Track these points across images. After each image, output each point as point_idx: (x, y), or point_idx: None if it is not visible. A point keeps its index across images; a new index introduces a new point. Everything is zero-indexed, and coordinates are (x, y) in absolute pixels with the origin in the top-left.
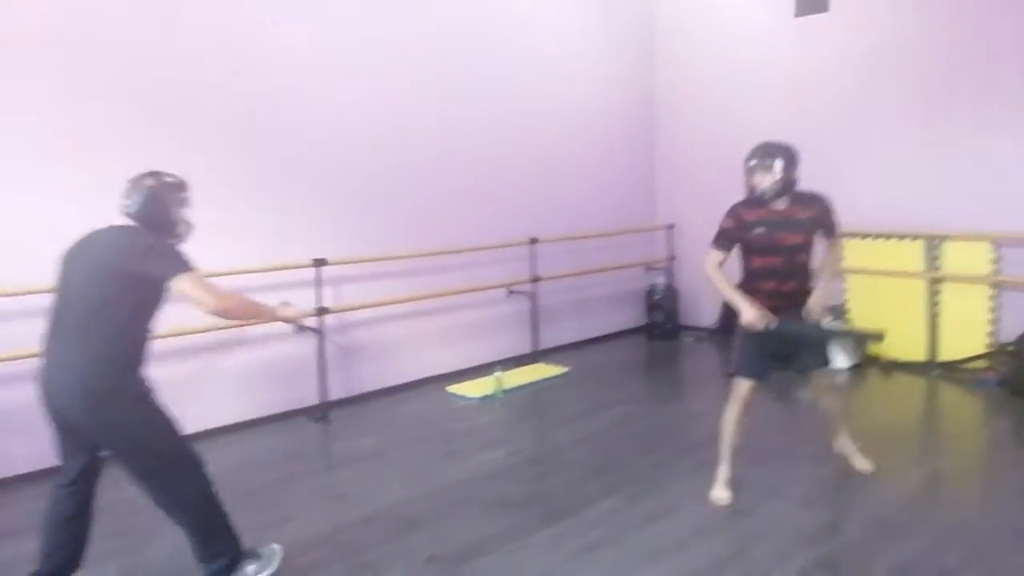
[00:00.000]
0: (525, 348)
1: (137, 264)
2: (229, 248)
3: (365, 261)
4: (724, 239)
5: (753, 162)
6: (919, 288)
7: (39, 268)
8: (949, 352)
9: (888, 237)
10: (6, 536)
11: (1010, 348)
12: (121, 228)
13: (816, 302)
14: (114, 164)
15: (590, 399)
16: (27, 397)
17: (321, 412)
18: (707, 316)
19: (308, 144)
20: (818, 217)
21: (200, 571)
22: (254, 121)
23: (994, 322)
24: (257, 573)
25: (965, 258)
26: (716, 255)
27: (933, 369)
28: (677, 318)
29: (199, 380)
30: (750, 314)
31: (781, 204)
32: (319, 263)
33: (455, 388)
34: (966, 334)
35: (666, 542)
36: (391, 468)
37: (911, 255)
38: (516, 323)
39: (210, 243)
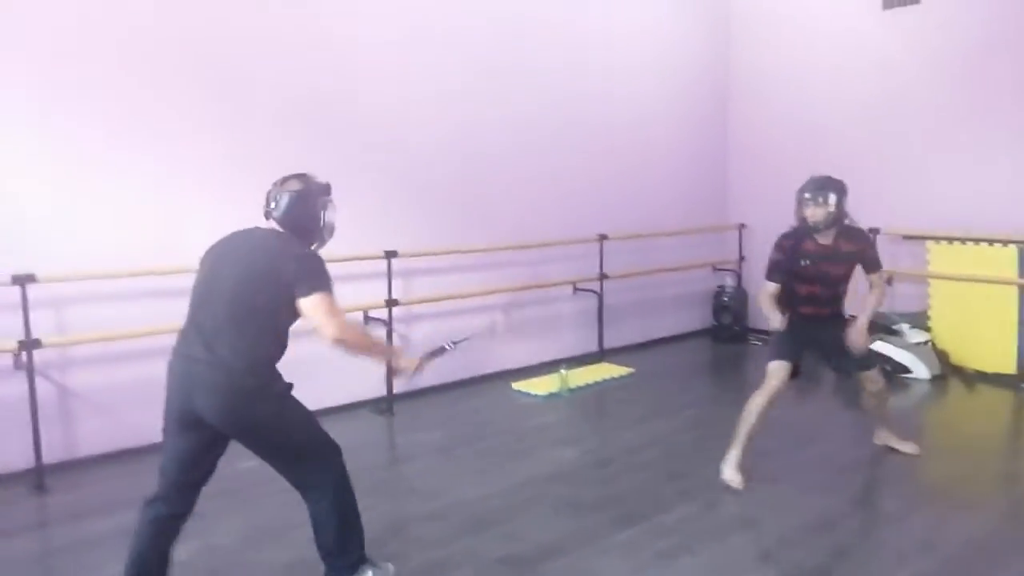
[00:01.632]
0: (590, 347)
1: (286, 273)
2: None
3: (434, 254)
4: (777, 272)
5: (807, 195)
6: (1010, 296)
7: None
8: None
9: (978, 241)
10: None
11: None
12: (271, 233)
13: (859, 332)
14: (190, 153)
15: (657, 401)
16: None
17: (385, 405)
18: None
19: (379, 137)
20: (861, 252)
21: (327, 566)
22: (329, 115)
23: None
24: None
25: None
26: (771, 287)
27: (1022, 383)
28: (745, 320)
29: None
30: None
31: (827, 237)
32: (390, 255)
33: (520, 385)
34: None
35: (748, 554)
36: (459, 464)
37: (1003, 261)
38: (581, 321)
39: None
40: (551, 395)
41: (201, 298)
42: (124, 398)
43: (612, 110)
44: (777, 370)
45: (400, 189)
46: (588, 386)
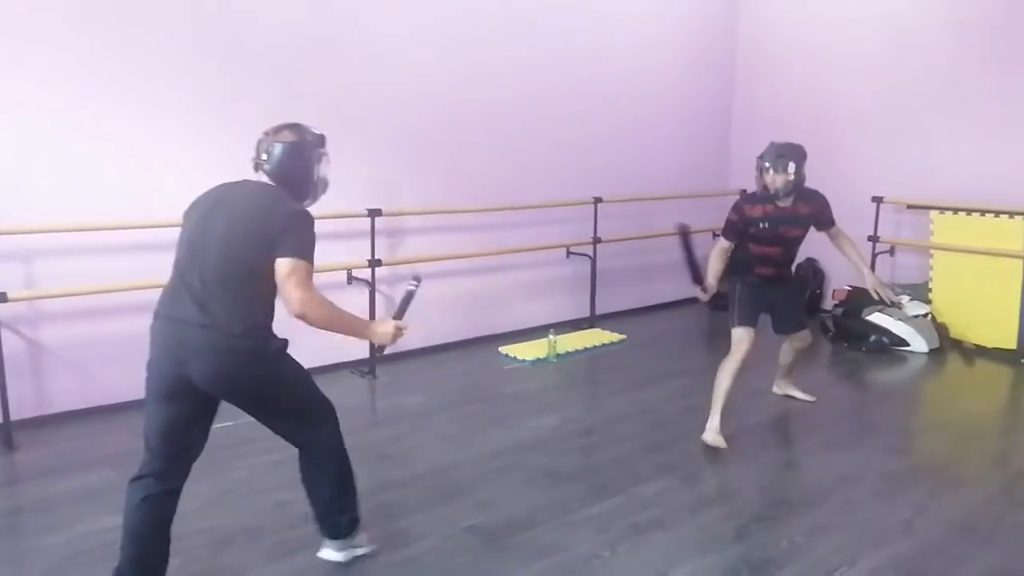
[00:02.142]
0: (582, 312)
1: (276, 233)
2: None
3: (419, 213)
4: (730, 231)
5: (767, 163)
6: (1014, 270)
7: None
8: None
9: (984, 212)
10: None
11: None
12: (262, 187)
13: (874, 280)
14: (165, 102)
15: (647, 369)
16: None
17: (368, 367)
18: None
19: (367, 92)
20: (819, 212)
21: (324, 525)
22: (314, 67)
23: None
24: (364, 545)
25: None
26: (724, 243)
27: (1022, 358)
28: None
29: None
30: (708, 290)
31: (786, 201)
32: (373, 213)
33: (507, 349)
34: None
35: (722, 529)
36: (436, 429)
37: (1009, 233)
38: (574, 286)
39: None
40: (538, 360)
41: (189, 257)
42: (96, 354)
43: (610, 68)
44: (743, 336)
45: (388, 147)
46: (577, 352)
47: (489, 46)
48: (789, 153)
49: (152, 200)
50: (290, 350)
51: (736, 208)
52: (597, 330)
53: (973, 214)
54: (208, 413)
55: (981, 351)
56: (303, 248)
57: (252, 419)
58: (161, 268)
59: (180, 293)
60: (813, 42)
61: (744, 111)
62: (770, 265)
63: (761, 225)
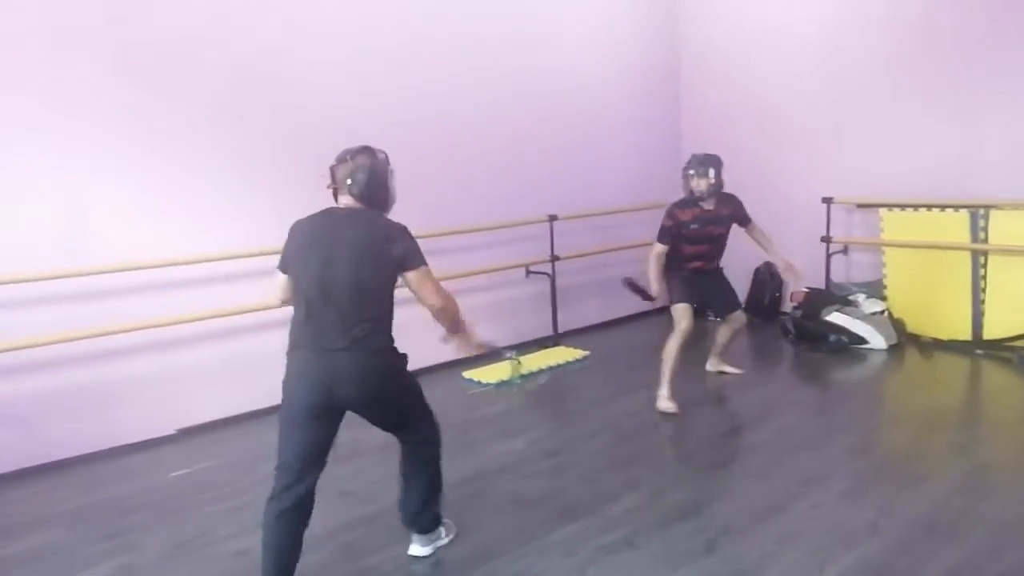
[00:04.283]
0: (546, 331)
1: (395, 250)
2: (236, 225)
3: None
4: (665, 235)
5: (692, 171)
6: (963, 261)
7: None
8: (995, 330)
9: (930, 207)
10: None
11: None
12: (359, 212)
13: (786, 265)
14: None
15: (612, 384)
16: None
17: None
18: (738, 293)
19: (317, 117)
20: (736, 211)
21: (414, 519)
22: (264, 93)
23: None
24: (446, 535)
25: (1014, 229)
26: (659, 247)
27: (977, 349)
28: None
29: (199, 371)
30: (653, 292)
31: (710, 204)
32: None
33: (471, 373)
34: (1014, 311)
35: (692, 544)
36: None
37: (955, 226)
38: (536, 305)
39: (212, 222)
40: (502, 383)
41: (320, 289)
42: (39, 409)
43: (559, 88)
44: (683, 311)
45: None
46: (541, 371)
47: (435, 67)
48: (709, 162)
49: (86, 244)
50: (256, 380)
51: (670, 214)
52: (561, 347)
53: (920, 209)
54: (338, 428)
55: (938, 344)
56: (422, 257)
57: (211, 465)
58: (102, 314)
59: (321, 324)
60: (754, 47)
61: (692, 121)
62: (700, 260)
63: (692, 227)
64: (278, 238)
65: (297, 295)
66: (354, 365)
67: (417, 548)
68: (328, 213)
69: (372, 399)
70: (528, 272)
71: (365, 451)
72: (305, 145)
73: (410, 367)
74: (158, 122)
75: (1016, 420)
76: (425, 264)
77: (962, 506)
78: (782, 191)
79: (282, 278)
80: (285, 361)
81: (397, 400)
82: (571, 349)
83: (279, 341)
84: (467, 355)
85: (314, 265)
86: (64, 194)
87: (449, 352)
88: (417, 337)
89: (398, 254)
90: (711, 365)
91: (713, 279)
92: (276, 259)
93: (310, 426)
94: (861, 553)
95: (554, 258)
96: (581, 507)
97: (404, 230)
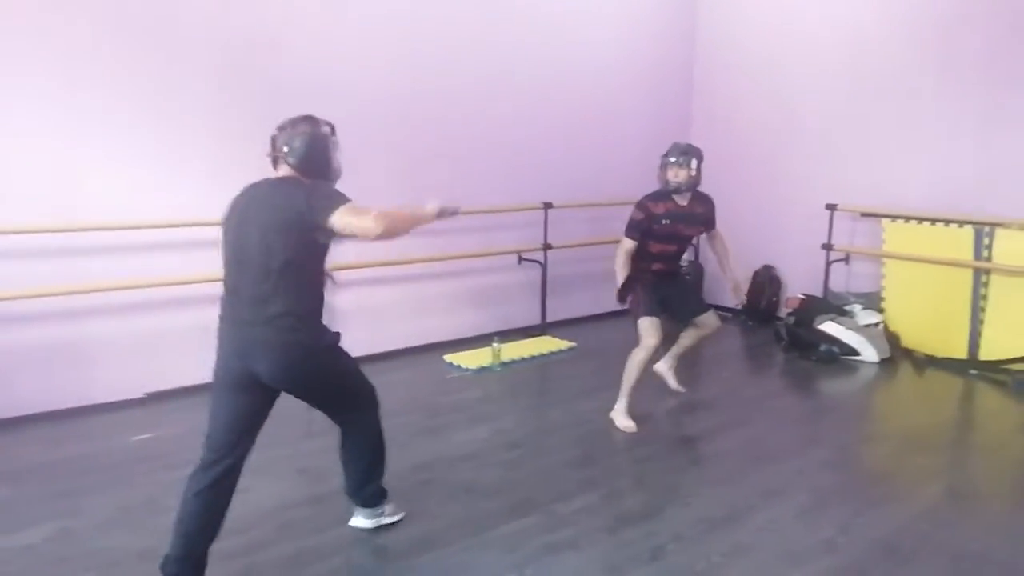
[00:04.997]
0: (534, 319)
1: (306, 213)
2: (219, 190)
3: None
4: (635, 230)
5: (672, 159)
6: (965, 279)
7: None
8: (992, 351)
9: (935, 221)
10: None
11: None
12: (281, 180)
13: (737, 281)
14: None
15: (592, 378)
16: None
17: None
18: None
19: (311, 93)
20: (709, 212)
21: (357, 494)
22: (245, 67)
23: None
24: (391, 515)
25: (1018, 248)
26: (629, 243)
27: (971, 368)
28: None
29: (172, 336)
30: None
31: (684, 199)
32: None
33: (452, 357)
34: (1013, 333)
35: (638, 550)
36: None
37: (959, 242)
38: (526, 292)
39: (184, 191)
40: (482, 369)
41: (236, 261)
42: (8, 363)
43: (565, 72)
44: (650, 326)
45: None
46: (524, 360)
47: (439, 46)
48: (692, 152)
49: (76, 204)
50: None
51: (641, 206)
52: (547, 337)
53: (924, 223)
54: (270, 403)
55: (932, 361)
56: (337, 197)
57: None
58: (80, 272)
59: (235, 297)
60: (771, 50)
61: (702, 119)
62: (664, 261)
63: (664, 222)
64: None
65: (224, 267)
66: (265, 342)
67: (360, 520)
68: (255, 186)
69: (288, 378)
70: (520, 259)
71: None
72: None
73: (390, 348)
74: (145, 83)
75: (999, 445)
76: (342, 202)
77: (924, 532)
78: (786, 195)
79: None
80: None
81: (319, 381)
82: (557, 340)
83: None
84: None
85: (231, 237)
86: (52, 151)
87: (437, 333)
88: (394, 319)
89: (302, 208)
90: (660, 365)
91: (676, 283)
92: None
93: (231, 399)
94: (809, 572)
95: (547, 246)
96: (533, 503)
97: (315, 183)
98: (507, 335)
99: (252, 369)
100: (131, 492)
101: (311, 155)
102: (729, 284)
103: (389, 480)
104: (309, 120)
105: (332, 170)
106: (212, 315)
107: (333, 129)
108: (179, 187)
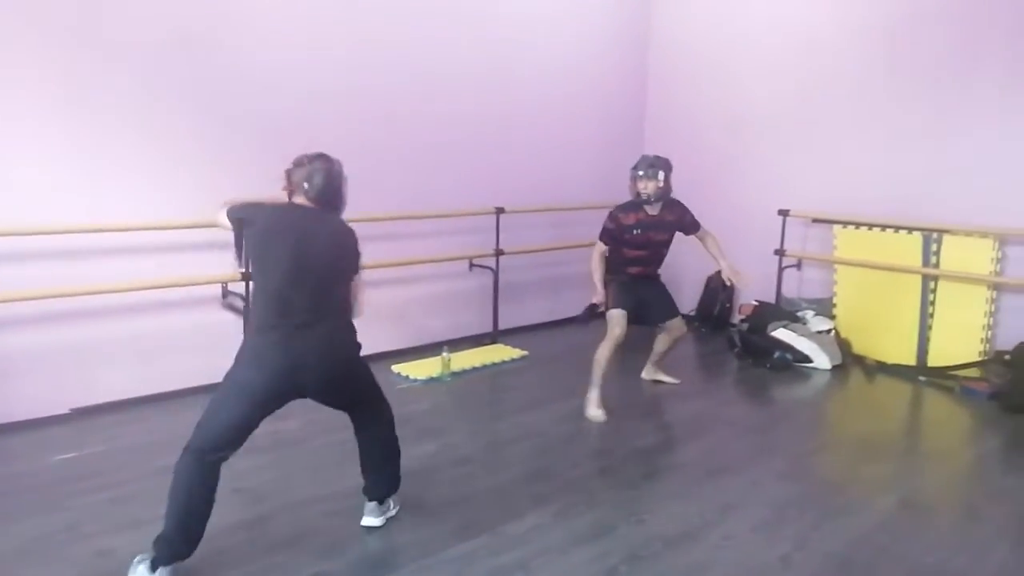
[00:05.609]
0: (485, 327)
1: (355, 255)
2: (159, 199)
3: None
4: (607, 236)
5: (640, 172)
6: (914, 286)
7: None
8: (939, 358)
9: (884, 227)
10: None
11: (1006, 357)
12: (328, 216)
13: (731, 272)
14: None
15: (544, 388)
16: None
17: None
18: (689, 301)
19: (255, 93)
20: (681, 219)
21: (373, 491)
22: (199, 64)
23: (991, 327)
24: (394, 508)
25: (965, 255)
26: (601, 246)
27: (920, 375)
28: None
29: (100, 348)
30: (599, 296)
31: (655, 209)
32: None
33: (400, 367)
34: (960, 338)
35: (590, 571)
36: (301, 460)
37: (907, 249)
38: (478, 300)
39: (135, 195)
40: (431, 379)
41: (295, 272)
42: None
43: (519, 72)
44: (618, 317)
45: (272, 149)
46: (474, 370)
47: (385, 45)
48: (659, 164)
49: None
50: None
51: (612, 217)
52: (499, 346)
53: (874, 229)
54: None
55: (882, 367)
56: (361, 264)
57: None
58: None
59: (290, 306)
60: (723, 57)
61: (656, 125)
62: (640, 265)
63: (635, 231)
64: (195, 214)
65: (261, 277)
66: (321, 338)
67: (369, 520)
68: (292, 208)
69: (340, 374)
70: (472, 265)
71: (268, 446)
72: (239, 122)
73: None
74: (78, 83)
75: (949, 451)
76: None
77: (881, 544)
78: (739, 200)
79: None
80: (246, 342)
81: (361, 374)
82: (509, 348)
83: (185, 323)
84: None
85: (285, 250)
86: None
87: (386, 342)
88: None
89: (353, 254)
90: (647, 373)
91: (652, 286)
92: (188, 234)
93: (253, 411)
94: None
95: (498, 252)
96: (482, 523)
97: (357, 240)
98: (457, 344)
99: (300, 380)
100: (48, 518)
101: (328, 189)
102: (727, 273)
103: (325, 503)
104: (324, 158)
105: (342, 203)
106: (142, 324)
107: (341, 165)
108: (103, 189)
